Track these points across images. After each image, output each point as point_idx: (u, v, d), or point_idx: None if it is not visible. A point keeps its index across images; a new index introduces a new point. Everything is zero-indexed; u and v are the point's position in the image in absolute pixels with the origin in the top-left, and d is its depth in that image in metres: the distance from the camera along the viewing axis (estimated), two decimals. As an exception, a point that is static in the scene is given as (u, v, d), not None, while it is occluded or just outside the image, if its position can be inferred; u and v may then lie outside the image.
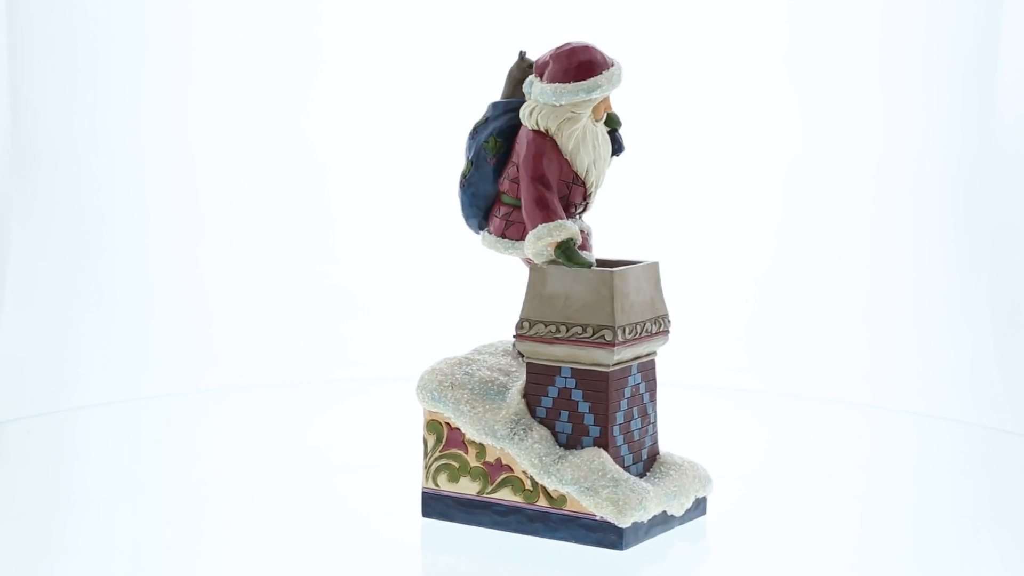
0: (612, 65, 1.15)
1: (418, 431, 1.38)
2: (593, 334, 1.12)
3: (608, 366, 1.12)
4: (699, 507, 1.18)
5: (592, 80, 1.14)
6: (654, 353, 1.17)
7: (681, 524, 1.16)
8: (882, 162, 1.92)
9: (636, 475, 1.15)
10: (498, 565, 1.11)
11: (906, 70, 1.91)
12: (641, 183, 1.77)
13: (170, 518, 1.22)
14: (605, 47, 1.17)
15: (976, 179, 1.90)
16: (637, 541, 1.12)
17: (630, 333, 1.13)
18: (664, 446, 1.23)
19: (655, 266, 1.16)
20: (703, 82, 1.92)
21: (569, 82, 1.13)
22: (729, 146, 1.93)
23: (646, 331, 1.15)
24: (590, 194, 1.17)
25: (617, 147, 1.18)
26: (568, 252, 1.13)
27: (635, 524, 1.11)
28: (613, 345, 1.12)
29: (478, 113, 1.20)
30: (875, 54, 1.92)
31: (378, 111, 1.93)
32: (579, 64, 1.14)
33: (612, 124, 1.17)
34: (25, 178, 1.85)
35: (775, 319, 1.90)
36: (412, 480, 1.26)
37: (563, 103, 1.14)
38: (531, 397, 1.15)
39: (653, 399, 1.18)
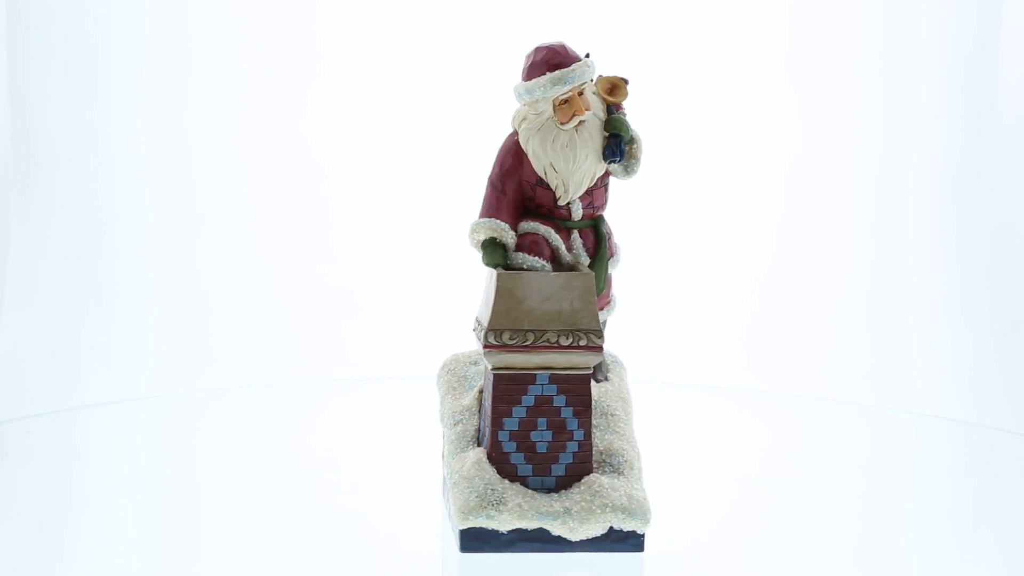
0: (565, 67, 1.13)
1: (417, 431, 1.38)
2: (478, 332, 1.13)
3: (490, 367, 1.12)
4: (627, 541, 1.11)
5: (532, 82, 1.14)
6: (583, 369, 1.12)
7: (587, 552, 1.11)
8: (882, 162, 1.92)
9: (539, 489, 1.12)
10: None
11: (906, 70, 1.91)
12: (641, 183, 1.76)
13: (170, 518, 1.22)
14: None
15: (976, 180, 1.90)
16: (487, 549, 1.10)
17: (513, 338, 1.11)
18: (663, 447, 1.22)
19: (585, 278, 1.12)
20: (703, 82, 1.92)
21: (521, 82, 1.15)
22: (729, 146, 1.93)
23: (547, 341, 1.11)
24: (559, 198, 1.15)
25: (609, 153, 1.14)
26: (485, 250, 1.14)
27: (481, 530, 1.09)
28: (484, 346, 1.11)
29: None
30: (875, 54, 1.92)
31: (378, 111, 1.93)
32: (531, 65, 1.15)
33: (610, 128, 1.14)
34: (25, 178, 1.85)
35: (775, 319, 1.90)
36: (412, 479, 1.26)
37: (519, 104, 1.15)
38: (482, 394, 1.17)
39: (580, 417, 1.12)
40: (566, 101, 1.14)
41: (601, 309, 1.19)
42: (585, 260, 1.16)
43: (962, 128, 1.90)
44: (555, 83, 1.13)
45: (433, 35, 1.91)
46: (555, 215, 1.16)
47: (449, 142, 1.88)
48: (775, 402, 1.67)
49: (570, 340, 1.11)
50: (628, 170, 1.16)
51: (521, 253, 1.14)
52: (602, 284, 1.17)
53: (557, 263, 1.16)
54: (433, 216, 1.92)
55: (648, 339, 1.76)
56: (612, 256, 1.18)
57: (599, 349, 1.12)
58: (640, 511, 1.10)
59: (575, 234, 1.16)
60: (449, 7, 1.92)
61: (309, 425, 1.54)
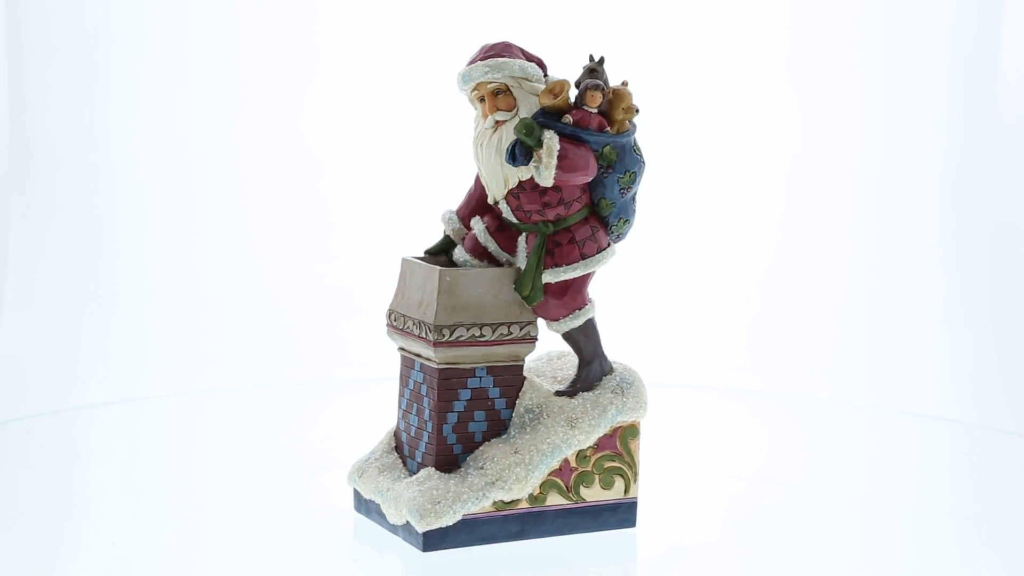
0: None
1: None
2: None
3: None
4: (414, 535, 1.12)
5: None
6: (429, 360, 1.13)
7: (399, 537, 1.13)
8: (882, 162, 1.92)
9: (412, 471, 1.14)
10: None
11: (906, 71, 1.91)
12: (641, 182, 1.76)
13: (170, 518, 1.22)
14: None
15: (976, 180, 1.90)
16: (361, 511, 1.18)
17: (391, 318, 1.18)
18: (663, 447, 1.22)
19: (435, 273, 1.13)
20: (703, 82, 1.92)
21: None
22: (729, 146, 1.93)
23: (409, 329, 1.15)
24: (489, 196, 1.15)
25: (506, 155, 1.11)
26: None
27: (357, 492, 1.18)
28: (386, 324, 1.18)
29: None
30: (875, 54, 1.92)
31: (377, 111, 1.93)
32: None
33: (514, 131, 1.11)
34: (25, 178, 1.85)
35: (775, 319, 1.90)
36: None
37: None
38: None
39: (434, 409, 1.13)
40: (483, 100, 1.13)
41: (556, 320, 1.15)
42: (522, 263, 1.15)
43: (962, 128, 1.90)
44: (458, 81, 1.14)
45: (432, 34, 1.92)
46: (497, 213, 1.16)
47: (449, 141, 1.88)
48: (775, 402, 1.67)
49: (419, 330, 1.14)
50: (538, 174, 1.11)
51: (458, 248, 1.17)
52: (528, 291, 1.13)
53: (494, 261, 1.16)
54: (433, 216, 1.92)
55: (648, 339, 1.76)
56: (560, 266, 1.13)
57: (433, 344, 1.12)
58: (417, 512, 1.10)
59: (523, 236, 1.15)
60: (448, 6, 1.92)
61: (309, 425, 1.54)
